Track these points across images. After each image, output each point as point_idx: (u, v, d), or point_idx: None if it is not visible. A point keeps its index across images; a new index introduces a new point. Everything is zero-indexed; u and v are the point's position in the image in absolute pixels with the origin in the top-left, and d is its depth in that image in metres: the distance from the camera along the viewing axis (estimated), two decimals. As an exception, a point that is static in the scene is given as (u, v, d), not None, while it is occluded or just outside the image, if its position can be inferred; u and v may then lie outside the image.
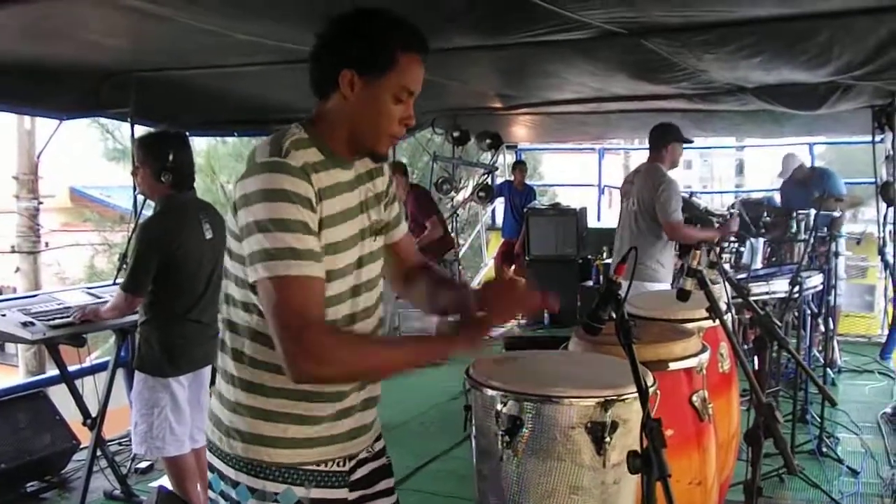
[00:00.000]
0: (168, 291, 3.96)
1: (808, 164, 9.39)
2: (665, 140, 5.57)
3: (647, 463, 1.78)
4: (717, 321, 2.92)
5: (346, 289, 1.96)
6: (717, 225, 6.58)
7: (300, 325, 1.75)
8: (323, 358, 1.77)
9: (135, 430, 4.13)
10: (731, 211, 7.15)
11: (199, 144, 14.73)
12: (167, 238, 3.92)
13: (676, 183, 5.53)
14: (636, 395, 2.17)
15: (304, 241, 1.78)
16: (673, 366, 2.88)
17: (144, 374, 4.02)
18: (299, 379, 1.80)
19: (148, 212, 4.28)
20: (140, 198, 4.75)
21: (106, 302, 4.29)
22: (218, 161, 16.57)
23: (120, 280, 4.26)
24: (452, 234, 9.34)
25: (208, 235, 4.02)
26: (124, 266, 4.47)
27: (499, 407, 2.24)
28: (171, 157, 3.91)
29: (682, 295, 3.03)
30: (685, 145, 5.69)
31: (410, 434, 6.05)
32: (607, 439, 2.17)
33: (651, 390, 2.33)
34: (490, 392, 2.32)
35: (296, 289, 1.77)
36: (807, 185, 7.68)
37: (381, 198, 2.12)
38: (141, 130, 5.74)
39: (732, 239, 6.72)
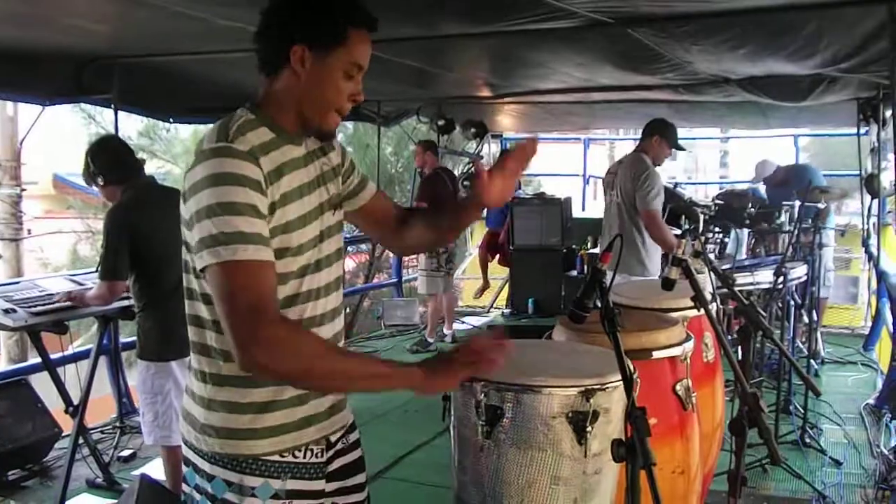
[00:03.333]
0: (148, 276, 4.02)
1: (791, 160, 9.43)
2: (655, 131, 5.56)
3: (632, 451, 1.78)
4: (702, 310, 2.91)
5: (307, 263, 1.92)
6: (701, 217, 6.61)
7: (252, 310, 1.69)
8: (275, 348, 1.70)
9: (143, 421, 4.20)
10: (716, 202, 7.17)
11: (185, 130, 14.66)
12: (132, 221, 4.00)
13: (658, 174, 5.53)
14: (618, 383, 2.17)
15: (253, 224, 1.73)
16: (657, 354, 2.87)
17: (145, 361, 4.10)
18: (248, 366, 1.72)
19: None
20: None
21: (90, 288, 4.28)
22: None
23: (101, 269, 4.26)
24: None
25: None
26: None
27: (479, 397, 2.21)
28: (91, 164, 4.13)
29: (667, 284, 3.02)
30: (675, 150, 5.72)
31: (393, 423, 6.04)
32: (588, 429, 2.15)
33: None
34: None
35: (246, 274, 1.71)
36: (788, 184, 7.67)
37: (337, 171, 2.09)
38: (124, 117, 5.70)
39: (717, 229, 6.74)
